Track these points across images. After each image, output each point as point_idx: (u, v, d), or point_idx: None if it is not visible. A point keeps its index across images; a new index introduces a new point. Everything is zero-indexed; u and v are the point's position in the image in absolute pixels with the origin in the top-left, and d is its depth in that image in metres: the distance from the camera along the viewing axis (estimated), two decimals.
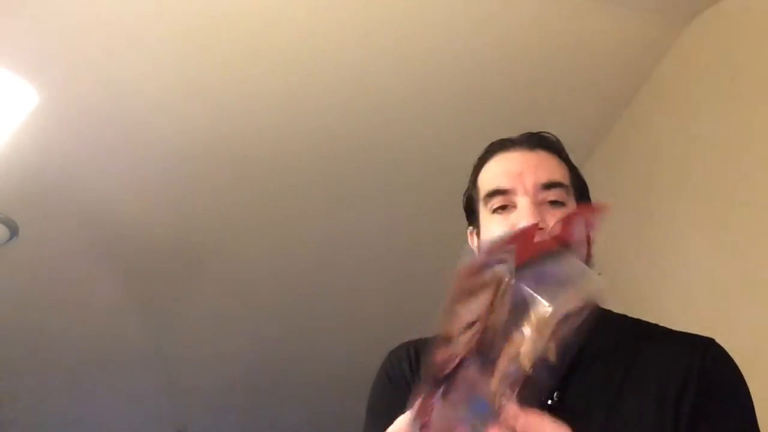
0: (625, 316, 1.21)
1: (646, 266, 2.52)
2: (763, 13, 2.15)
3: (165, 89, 2.45)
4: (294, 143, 2.69)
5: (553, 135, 1.24)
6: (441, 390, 0.80)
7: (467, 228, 1.25)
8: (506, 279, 0.80)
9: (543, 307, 0.80)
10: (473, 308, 0.80)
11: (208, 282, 3.22)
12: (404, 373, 1.16)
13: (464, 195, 1.26)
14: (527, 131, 1.24)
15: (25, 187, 2.64)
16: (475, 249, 1.21)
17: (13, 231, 2.42)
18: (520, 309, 0.79)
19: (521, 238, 0.84)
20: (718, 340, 1.13)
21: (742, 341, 2.02)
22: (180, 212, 2.90)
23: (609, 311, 1.21)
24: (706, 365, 1.07)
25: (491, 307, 0.79)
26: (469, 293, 0.80)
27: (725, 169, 2.24)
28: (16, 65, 1.87)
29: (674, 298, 2.36)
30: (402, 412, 1.11)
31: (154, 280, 3.18)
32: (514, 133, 1.24)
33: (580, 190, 1.21)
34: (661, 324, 1.19)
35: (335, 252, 3.12)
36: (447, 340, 0.80)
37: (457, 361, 0.79)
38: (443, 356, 0.80)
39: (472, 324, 0.79)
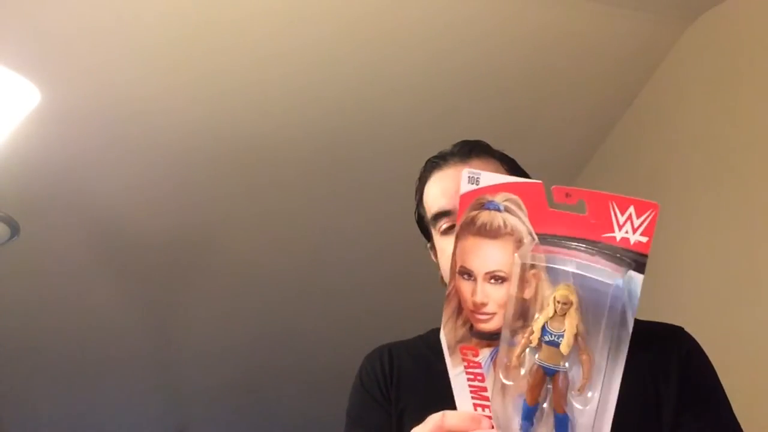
0: None
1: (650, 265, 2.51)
2: (764, 15, 2.15)
3: (166, 88, 2.46)
4: (293, 143, 2.70)
5: (481, 141, 1.22)
6: (490, 356, 0.74)
7: (426, 245, 1.23)
8: (527, 240, 0.73)
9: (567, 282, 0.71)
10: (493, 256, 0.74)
11: (208, 281, 3.22)
12: (377, 379, 1.16)
13: (415, 213, 1.25)
14: (460, 140, 1.22)
15: (27, 186, 2.64)
16: (436, 265, 1.19)
17: (15, 230, 2.41)
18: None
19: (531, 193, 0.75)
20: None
21: (742, 341, 2.02)
22: (180, 210, 2.90)
23: None
24: (682, 354, 1.08)
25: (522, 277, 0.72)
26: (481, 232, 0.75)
27: (726, 170, 2.25)
28: (18, 64, 1.87)
29: (674, 299, 2.36)
30: (375, 418, 1.12)
31: (154, 279, 3.18)
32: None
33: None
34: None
35: (334, 249, 3.13)
36: (468, 274, 0.75)
37: (493, 324, 0.74)
38: (472, 302, 0.74)
39: (498, 278, 0.74)
